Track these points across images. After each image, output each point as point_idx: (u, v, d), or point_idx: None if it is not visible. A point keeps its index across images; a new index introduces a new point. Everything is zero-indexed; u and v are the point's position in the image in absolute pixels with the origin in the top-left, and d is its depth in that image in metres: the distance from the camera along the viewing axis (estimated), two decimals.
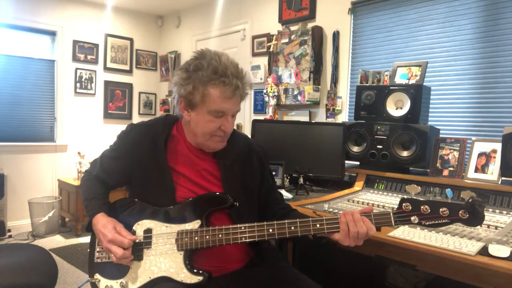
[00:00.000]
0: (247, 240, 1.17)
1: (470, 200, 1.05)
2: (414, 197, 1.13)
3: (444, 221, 1.07)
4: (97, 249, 1.31)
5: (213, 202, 1.26)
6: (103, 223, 1.24)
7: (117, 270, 1.24)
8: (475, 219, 1.04)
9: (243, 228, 1.17)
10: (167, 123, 1.36)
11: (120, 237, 1.19)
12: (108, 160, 1.37)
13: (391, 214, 1.11)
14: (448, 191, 1.16)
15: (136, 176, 1.32)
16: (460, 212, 1.05)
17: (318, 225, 1.14)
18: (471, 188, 1.78)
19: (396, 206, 1.70)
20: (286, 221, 1.16)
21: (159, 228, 1.24)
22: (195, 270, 1.19)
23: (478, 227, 1.42)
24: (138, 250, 1.23)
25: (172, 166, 1.30)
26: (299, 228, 1.14)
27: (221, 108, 1.23)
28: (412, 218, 1.09)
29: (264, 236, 1.16)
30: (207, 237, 1.19)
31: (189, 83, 1.22)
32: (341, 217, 1.13)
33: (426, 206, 1.09)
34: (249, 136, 1.74)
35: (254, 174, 1.39)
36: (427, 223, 1.08)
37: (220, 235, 1.18)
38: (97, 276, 1.28)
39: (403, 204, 1.11)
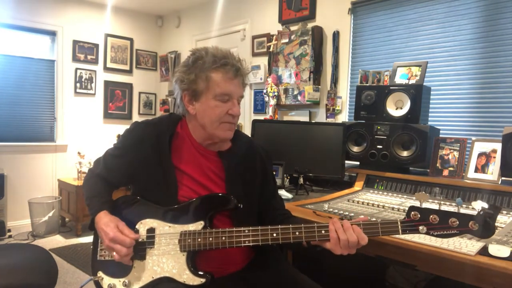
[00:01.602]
0: (251, 244, 1.16)
1: (481, 212, 1.02)
2: (423, 206, 1.09)
3: (453, 232, 1.04)
4: (100, 247, 1.31)
5: (217, 203, 1.25)
6: (105, 221, 1.23)
7: (120, 269, 1.24)
8: (485, 231, 1.01)
9: (246, 231, 1.16)
10: (172, 121, 1.36)
11: (122, 236, 1.18)
12: (111, 158, 1.37)
13: (399, 223, 1.09)
14: (459, 200, 1.13)
15: (139, 174, 1.31)
16: (470, 223, 1.02)
17: (323, 231, 1.12)
18: (471, 188, 1.78)
19: (395, 206, 1.72)
20: (290, 226, 1.14)
21: (162, 227, 1.23)
22: (197, 272, 1.19)
23: None
24: (141, 249, 1.22)
25: (176, 165, 1.29)
26: (303, 234, 1.13)
27: (226, 90, 1.24)
28: (420, 227, 1.06)
29: (268, 241, 1.15)
30: (210, 239, 1.18)
31: (191, 73, 1.24)
32: (330, 225, 1.11)
33: (435, 215, 1.05)
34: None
35: (256, 176, 1.39)
36: (436, 233, 1.05)
37: (223, 238, 1.17)
38: (100, 274, 1.28)
39: (411, 212, 1.08)
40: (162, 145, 1.29)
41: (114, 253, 1.19)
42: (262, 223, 1.26)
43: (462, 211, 1.06)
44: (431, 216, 1.06)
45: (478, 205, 1.04)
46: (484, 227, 1.01)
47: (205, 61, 1.23)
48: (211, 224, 1.23)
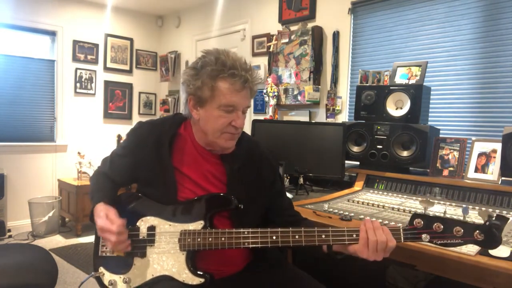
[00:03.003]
0: (250, 246, 1.15)
1: (488, 223, 0.99)
2: (427, 213, 1.07)
3: (457, 241, 1.01)
4: (102, 243, 1.31)
5: (217, 203, 1.25)
6: (97, 211, 1.22)
7: (121, 265, 1.24)
8: (491, 242, 0.99)
9: (246, 233, 1.16)
10: (175, 122, 1.36)
11: (108, 224, 1.17)
12: (116, 157, 1.38)
13: (401, 230, 1.07)
14: (464, 208, 1.11)
15: (141, 174, 1.32)
16: (475, 233, 0.99)
17: (323, 236, 1.10)
18: (471, 188, 1.78)
19: (395, 206, 1.72)
20: (290, 229, 1.13)
21: (162, 226, 1.23)
22: (196, 272, 1.19)
23: None
24: (141, 247, 1.23)
25: (176, 166, 1.29)
26: (303, 238, 1.11)
27: (231, 102, 1.21)
28: (423, 236, 1.04)
29: (267, 243, 1.14)
30: (210, 239, 1.18)
31: (198, 78, 1.22)
32: (361, 225, 1.09)
33: (439, 224, 1.03)
34: None
35: (262, 180, 1.36)
36: (439, 242, 1.03)
37: (223, 238, 1.17)
38: (101, 269, 1.28)
39: (415, 220, 1.05)
40: (163, 146, 1.29)
41: (108, 243, 1.19)
42: (271, 224, 1.25)
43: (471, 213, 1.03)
44: (435, 224, 1.03)
45: (485, 215, 1.02)
46: (490, 237, 0.98)
47: (213, 69, 1.19)
48: (211, 225, 1.23)
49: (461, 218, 1.05)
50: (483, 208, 1.23)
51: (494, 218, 1.00)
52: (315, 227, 1.13)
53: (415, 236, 1.06)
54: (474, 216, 1.50)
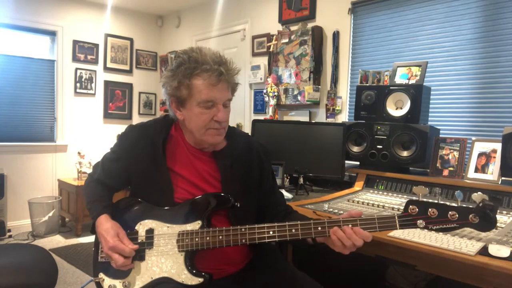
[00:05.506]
0: (248, 242, 1.16)
1: (481, 204, 0.98)
2: (421, 199, 1.06)
3: (452, 225, 1.01)
4: (101, 249, 1.31)
5: (214, 202, 1.25)
6: (106, 227, 1.23)
7: (121, 270, 1.24)
8: (486, 224, 0.98)
9: (243, 229, 1.16)
10: (166, 124, 1.36)
11: (122, 245, 1.19)
12: (108, 162, 1.38)
13: (396, 217, 1.06)
14: (458, 192, 1.09)
15: (136, 177, 1.32)
16: (470, 216, 0.99)
17: (319, 228, 1.12)
18: (471, 188, 1.78)
19: (395, 206, 1.72)
20: (287, 223, 1.15)
21: (160, 228, 1.24)
22: (195, 272, 1.19)
23: None
24: (140, 250, 1.23)
25: (170, 167, 1.29)
26: (300, 231, 1.13)
27: (209, 97, 1.21)
28: (419, 222, 1.03)
29: (264, 238, 1.15)
30: (208, 238, 1.18)
31: (174, 79, 1.22)
32: (331, 235, 1.10)
33: (433, 209, 1.02)
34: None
35: (254, 174, 1.38)
36: (434, 227, 1.02)
37: (220, 237, 1.17)
38: (101, 275, 1.28)
39: (409, 206, 1.05)
40: (156, 148, 1.30)
41: (112, 262, 1.20)
42: (263, 220, 1.25)
43: None
44: (429, 210, 1.03)
45: (479, 198, 1.02)
46: (485, 219, 0.98)
47: (187, 67, 1.20)
48: (209, 224, 1.24)
49: (455, 205, 1.05)
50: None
51: (487, 200, 1.00)
52: (311, 220, 1.15)
53: (410, 222, 1.05)
54: None
